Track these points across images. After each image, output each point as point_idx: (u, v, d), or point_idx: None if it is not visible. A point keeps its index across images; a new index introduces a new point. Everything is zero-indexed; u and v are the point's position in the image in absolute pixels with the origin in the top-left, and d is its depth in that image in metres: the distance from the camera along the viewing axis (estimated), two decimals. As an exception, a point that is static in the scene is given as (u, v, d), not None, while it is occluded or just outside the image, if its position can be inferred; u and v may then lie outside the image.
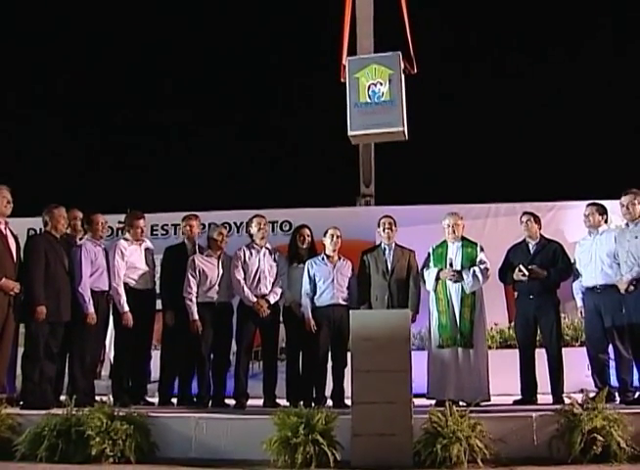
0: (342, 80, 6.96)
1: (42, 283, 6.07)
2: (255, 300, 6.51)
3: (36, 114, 13.23)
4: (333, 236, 6.65)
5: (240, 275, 6.58)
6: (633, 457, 4.70)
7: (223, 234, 6.80)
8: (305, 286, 6.59)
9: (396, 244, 6.71)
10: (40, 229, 6.57)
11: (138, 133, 13.56)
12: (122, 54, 13.31)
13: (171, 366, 6.78)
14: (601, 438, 4.71)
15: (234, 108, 13.64)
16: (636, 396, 6.02)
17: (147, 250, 6.87)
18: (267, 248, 6.75)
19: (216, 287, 6.61)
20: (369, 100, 6.74)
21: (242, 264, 6.62)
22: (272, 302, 6.59)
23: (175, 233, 8.33)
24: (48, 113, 13.35)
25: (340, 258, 6.71)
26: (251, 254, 6.67)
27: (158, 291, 6.91)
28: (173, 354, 6.76)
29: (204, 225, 7.96)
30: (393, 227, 6.69)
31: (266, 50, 13.30)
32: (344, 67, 6.95)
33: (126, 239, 6.81)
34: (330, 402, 6.38)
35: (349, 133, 6.76)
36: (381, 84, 6.72)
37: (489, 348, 7.27)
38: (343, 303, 6.54)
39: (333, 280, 6.58)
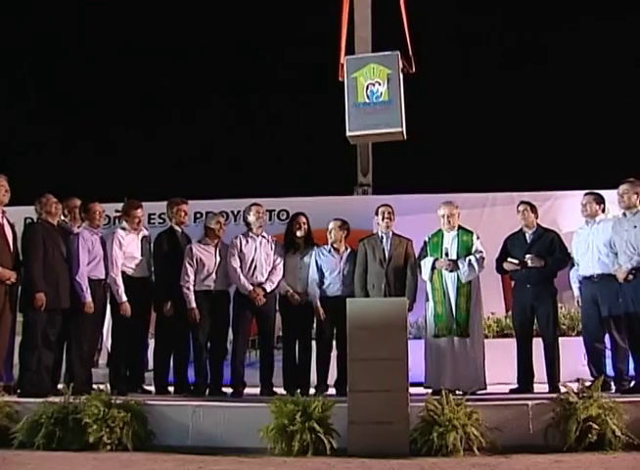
0: (339, 80, 6.92)
1: (41, 270, 6.08)
2: (251, 288, 6.51)
3: (32, 101, 13.21)
4: (332, 229, 6.69)
5: (236, 264, 6.57)
6: (628, 445, 4.74)
7: (221, 223, 6.79)
8: (313, 275, 6.60)
9: (394, 232, 6.71)
10: (38, 217, 6.54)
11: (135, 121, 13.53)
12: (117, 41, 13.28)
13: (167, 355, 6.78)
14: (596, 426, 4.75)
15: (232, 96, 13.62)
16: (632, 384, 6.03)
17: (144, 238, 6.86)
18: (264, 236, 6.75)
19: (213, 275, 6.60)
20: (367, 100, 6.71)
21: (238, 253, 6.61)
22: (268, 290, 6.58)
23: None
24: (45, 101, 13.32)
25: (346, 249, 6.73)
26: (247, 242, 6.67)
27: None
28: (169, 343, 6.77)
29: (201, 214, 7.98)
30: (392, 216, 6.69)
31: (267, 38, 13.26)
32: (342, 66, 6.91)
33: (124, 228, 6.80)
34: (332, 391, 6.38)
35: (348, 134, 6.74)
36: (379, 84, 6.69)
37: (486, 337, 7.28)
38: (349, 294, 6.49)
39: (339, 272, 6.60)
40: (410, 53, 6.89)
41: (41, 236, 6.16)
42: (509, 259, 6.56)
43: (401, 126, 6.61)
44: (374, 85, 6.71)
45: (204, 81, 13.70)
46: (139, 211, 6.84)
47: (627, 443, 4.75)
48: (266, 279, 6.60)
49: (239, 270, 6.56)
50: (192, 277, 6.56)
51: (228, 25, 13.30)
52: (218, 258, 6.64)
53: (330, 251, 6.66)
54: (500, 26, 12.97)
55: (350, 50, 7.61)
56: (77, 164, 12.76)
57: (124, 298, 6.51)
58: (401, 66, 6.77)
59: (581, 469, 4.29)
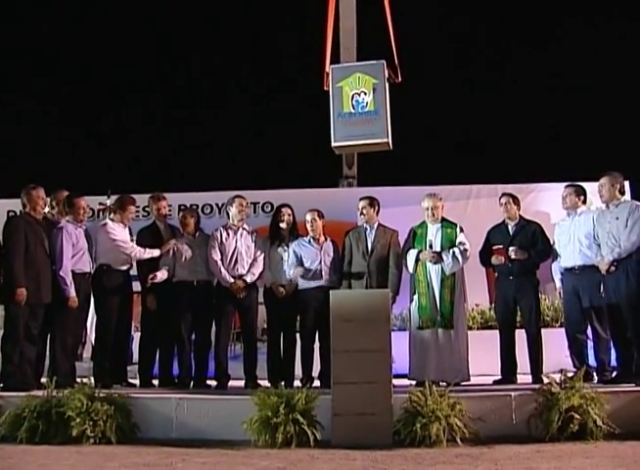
0: (325, 89, 6.89)
1: (22, 265, 6.03)
2: (232, 280, 6.51)
3: (15, 95, 13.11)
4: (309, 220, 6.64)
5: (217, 256, 6.56)
6: (609, 435, 4.79)
7: (187, 223, 6.76)
8: (291, 261, 6.55)
9: (380, 224, 6.70)
10: (20, 211, 6.51)
11: (121, 114, 13.49)
12: (103, 37, 13.22)
13: (152, 347, 6.77)
14: (578, 416, 4.80)
15: (217, 90, 13.58)
16: (613, 375, 6.09)
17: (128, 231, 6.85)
18: (244, 228, 6.74)
19: (190, 266, 6.60)
20: (353, 110, 6.71)
21: (219, 245, 6.60)
22: (249, 282, 6.57)
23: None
24: (28, 95, 13.23)
25: (326, 239, 6.71)
26: (228, 234, 6.66)
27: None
28: (153, 336, 6.75)
29: (186, 206, 7.96)
30: (369, 209, 6.65)
31: (255, 32, 13.24)
32: (328, 75, 6.88)
33: (112, 220, 6.79)
34: (317, 383, 6.39)
35: (333, 144, 6.73)
36: (365, 94, 6.68)
37: (470, 328, 7.33)
38: (330, 284, 6.51)
39: (320, 262, 6.58)
40: (396, 62, 6.88)
41: (23, 230, 6.11)
42: (494, 247, 6.57)
43: (387, 137, 6.60)
44: (359, 95, 6.70)
45: (188, 75, 13.67)
46: (133, 207, 6.87)
47: (608, 432, 4.79)
48: (247, 271, 6.58)
49: (219, 263, 6.55)
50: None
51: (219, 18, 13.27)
52: (196, 250, 6.64)
53: (310, 241, 6.65)
54: (485, 23, 13.02)
55: (335, 59, 7.62)
56: (60, 157, 12.69)
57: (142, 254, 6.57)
58: (387, 75, 6.76)
59: (563, 458, 4.32)
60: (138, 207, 8.29)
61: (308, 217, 6.66)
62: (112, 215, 6.87)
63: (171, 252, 6.62)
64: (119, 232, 6.66)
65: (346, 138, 6.74)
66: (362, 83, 6.71)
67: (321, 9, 7.66)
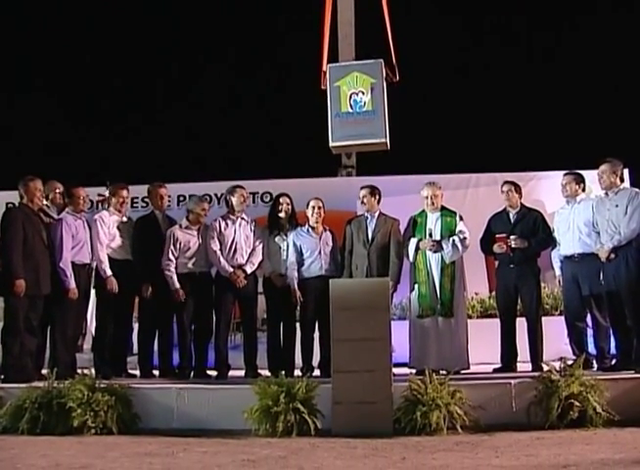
0: (322, 88, 6.88)
1: (20, 257, 6.02)
2: (232, 270, 6.51)
3: (14, 88, 13.08)
4: (314, 207, 6.64)
5: (216, 246, 6.55)
6: (609, 422, 4.81)
7: (205, 210, 6.76)
8: (291, 258, 6.57)
9: (381, 213, 6.70)
10: (18, 202, 6.49)
11: (119, 104, 13.45)
12: (100, 29, 13.18)
13: (151, 338, 6.77)
14: (578, 403, 4.82)
15: (215, 80, 13.54)
16: (613, 362, 6.10)
17: (127, 221, 6.83)
18: (243, 218, 6.73)
19: (196, 258, 6.58)
20: (350, 109, 6.69)
21: (217, 235, 6.59)
22: (249, 272, 6.56)
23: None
24: (27, 87, 13.20)
25: (325, 229, 6.71)
26: (226, 224, 6.64)
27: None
28: (153, 326, 6.75)
29: (184, 197, 7.94)
30: (370, 198, 6.65)
31: (254, 29, 13.22)
32: (325, 73, 6.86)
33: (107, 209, 6.78)
34: (317, 372, 6.39)
35: (331, 144, 6.73)
36: (363, 93, 6.66)
37: (470, 317, 7.33)
38: (330, 274, 6.50)
39: (320, 252, 6.58)
40: (394, 61, 6.86)
41: (20, 222, 6.10)
42: (497, 235, 6.56)
43: (385, 137, 6.60)
44: (357, 94, 6.68)
45: (186, 67, 13.63)
46: (125, 191, 6.82)
47: (608, 419, 4.82)
48: (246, 261, 6.58)
49: (219, 253, 6.54)
50: (173, 260, 6.54)
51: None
52: (200, 241, 6.63)
53: (308, 231, 6.64)
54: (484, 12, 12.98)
55: (334, 54, 7.60)
56: (59, 149, 12.67)
57: (109, 272, 6.49)
58: (385, 74, 6.74)
59: (563, 445, 4.33)
60: (137, 197, 8.33)
61: (313, 203, 6.65)
62: (109, 207, 6.85)
63: (179, 245, 6.59)
64: (109, 223, 6.63)
65: (344, 138, 6.74)
66: (360, 83, 6.70)
67: (319, 7, 7.64)
